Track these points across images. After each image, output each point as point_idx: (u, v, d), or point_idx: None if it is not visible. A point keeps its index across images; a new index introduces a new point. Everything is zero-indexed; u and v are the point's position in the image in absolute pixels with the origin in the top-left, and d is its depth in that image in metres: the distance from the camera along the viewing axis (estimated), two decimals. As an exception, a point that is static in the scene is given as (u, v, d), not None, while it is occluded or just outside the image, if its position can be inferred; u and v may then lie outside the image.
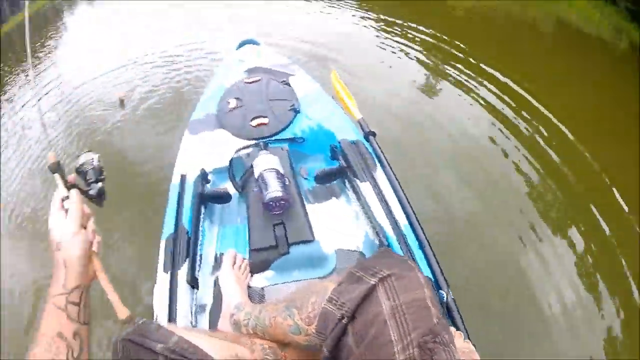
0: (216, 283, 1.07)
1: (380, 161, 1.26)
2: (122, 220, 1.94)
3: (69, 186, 0.65)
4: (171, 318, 0.94)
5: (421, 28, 3.44)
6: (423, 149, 2.21)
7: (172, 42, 3.65)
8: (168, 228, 1.14)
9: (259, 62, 1.81)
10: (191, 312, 1.00)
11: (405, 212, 1.11)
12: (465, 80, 2.79)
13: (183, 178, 1.28)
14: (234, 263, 1.08)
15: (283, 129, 1.43)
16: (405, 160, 2.02)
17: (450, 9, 4.11)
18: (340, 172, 1.29)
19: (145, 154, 2.36)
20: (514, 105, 2.51)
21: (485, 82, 2.72)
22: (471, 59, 2.98)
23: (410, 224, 1.08)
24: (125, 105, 2.92)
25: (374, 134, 1.40)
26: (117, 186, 1.99)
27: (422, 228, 1.07)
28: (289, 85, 1.61)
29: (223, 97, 1.59)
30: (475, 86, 2.71)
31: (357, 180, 1.22)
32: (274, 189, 1.09)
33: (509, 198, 1.95)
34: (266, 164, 1.16)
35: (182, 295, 0.99)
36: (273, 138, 1.40)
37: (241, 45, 2.04)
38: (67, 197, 0.63)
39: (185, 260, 1.05)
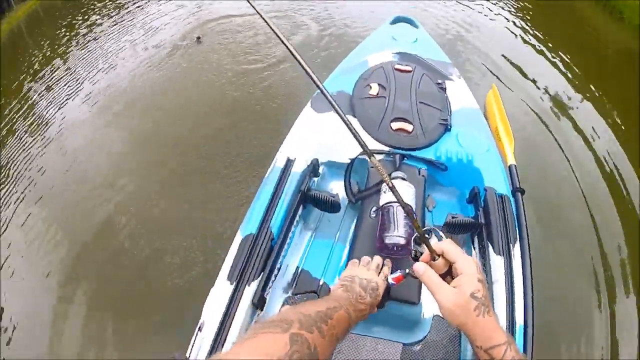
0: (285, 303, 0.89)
1: (520, 235, 0.98)
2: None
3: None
4: (219, 337, 0.78)
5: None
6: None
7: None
8: (250, 224, 0.94)
9: (414, 48, 1.51)
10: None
11: (525, 312, 0.87)
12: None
13: (289, 163, 1.07)
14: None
15: (426, 146, 1.16)
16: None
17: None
18: (475, 227, 1.03)
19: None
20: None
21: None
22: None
23: (525, 328, 0.85)
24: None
25: (522, 192, 1.10)
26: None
27: (533, 340, 0.83)
28: (445, 92, 1.30)
29: (364, 76, 1.33)
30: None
31: (491, 248, 0.96)
32: (400, 234, 0.85)
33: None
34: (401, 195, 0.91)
35: (241, 315, 0.82)
36: (413, 153, 1.14)
37: (396, 20, 1.73)
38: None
39: (258, 276, 0.87)
